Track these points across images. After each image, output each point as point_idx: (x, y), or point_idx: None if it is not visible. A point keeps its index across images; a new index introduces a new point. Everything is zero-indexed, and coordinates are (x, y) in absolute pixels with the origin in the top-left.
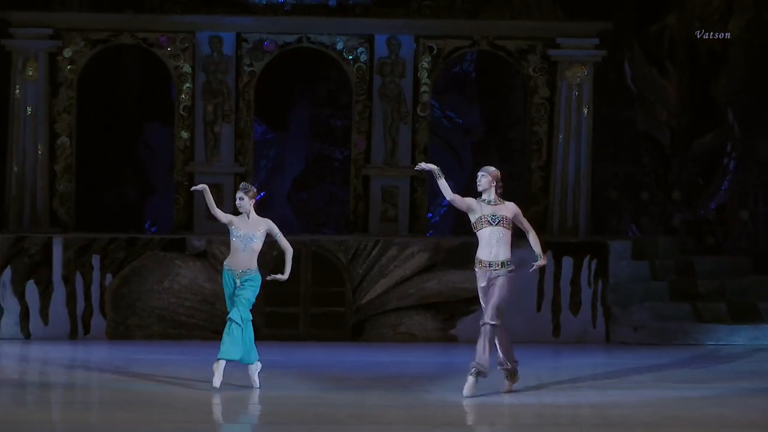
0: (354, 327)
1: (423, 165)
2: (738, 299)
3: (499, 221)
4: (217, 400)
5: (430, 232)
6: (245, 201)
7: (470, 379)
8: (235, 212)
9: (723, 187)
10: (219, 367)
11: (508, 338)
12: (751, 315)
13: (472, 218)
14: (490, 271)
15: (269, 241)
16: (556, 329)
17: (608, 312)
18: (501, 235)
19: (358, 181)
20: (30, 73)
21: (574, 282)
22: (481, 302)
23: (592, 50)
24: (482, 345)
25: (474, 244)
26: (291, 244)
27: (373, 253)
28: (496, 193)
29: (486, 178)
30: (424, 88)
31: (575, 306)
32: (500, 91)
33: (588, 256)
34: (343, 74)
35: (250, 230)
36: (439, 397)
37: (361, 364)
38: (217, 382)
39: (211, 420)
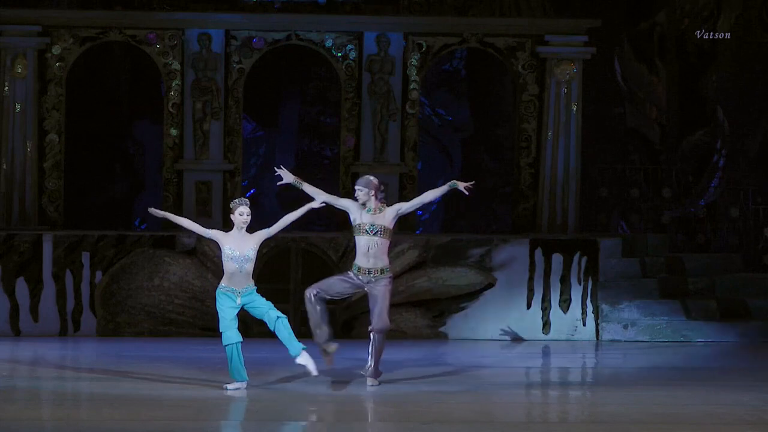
0: (344, 324)
1: (283, 173)
2: (728, 296)
3: (378, 231)
4: (205, 398)
5: (420, 229)
6: (365, 192)
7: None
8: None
9: (713, 184)
10: (307, 358)
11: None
12: (741, 312)
13: (351, 221)
14: (369, 278)
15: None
16: (546, 326)
17: (598, 309)
18: (378, 245)
19: (347, 179)
20: (19, 70)
21: (564, 279)
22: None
23: (581, 47)
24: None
25: (464, 241)
26: (281, 242)
27: None
28: (376, 199)
29: (362, 191)
30: (413, 86)
31: (565, 303)
32: (489, 88)
33: (578, 254)
34: (332, 71)
35: (244, 249)
36: (429, 394)
37: (351, 361)
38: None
39: (200, 417)
